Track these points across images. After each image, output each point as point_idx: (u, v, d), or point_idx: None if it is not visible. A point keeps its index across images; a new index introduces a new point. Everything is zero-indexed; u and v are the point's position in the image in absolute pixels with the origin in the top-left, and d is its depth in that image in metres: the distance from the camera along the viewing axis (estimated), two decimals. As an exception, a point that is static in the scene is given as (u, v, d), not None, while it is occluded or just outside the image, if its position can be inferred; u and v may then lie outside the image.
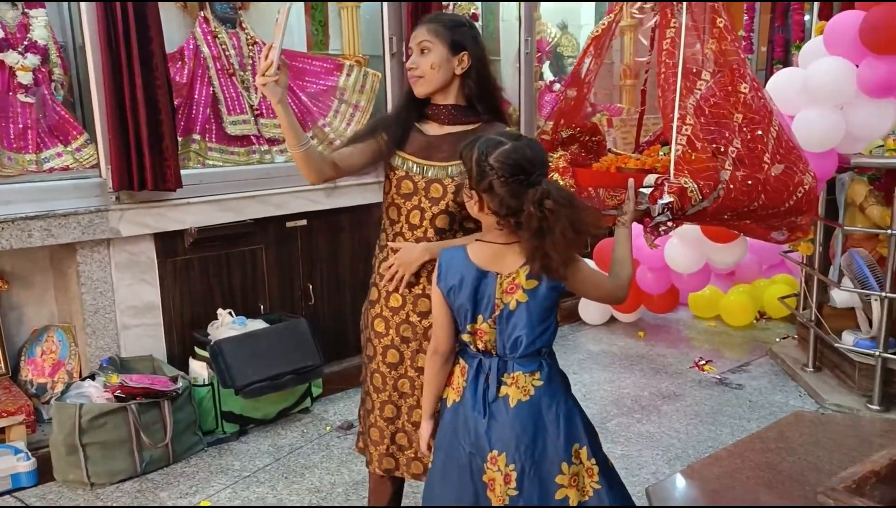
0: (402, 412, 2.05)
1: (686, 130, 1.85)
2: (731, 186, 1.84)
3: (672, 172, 1.84)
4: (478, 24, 4.47)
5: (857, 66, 3.02)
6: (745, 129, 1.86)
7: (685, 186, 1.81)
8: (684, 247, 4.10)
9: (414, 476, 2.07)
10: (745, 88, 1.87)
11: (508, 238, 1.65)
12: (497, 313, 1.66)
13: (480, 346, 1.70)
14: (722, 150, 1.87)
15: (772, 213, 1.90)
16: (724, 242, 3.97)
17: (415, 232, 1.97)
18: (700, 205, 1.83)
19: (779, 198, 1.87)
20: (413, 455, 2.05)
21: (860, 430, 2.33)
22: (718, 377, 3.87)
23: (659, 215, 1.85)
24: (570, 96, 2.24)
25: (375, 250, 2.10)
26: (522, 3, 4.61)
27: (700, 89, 1.88)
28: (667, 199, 1.81)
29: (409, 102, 2.03)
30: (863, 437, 2.19)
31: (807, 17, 4.57)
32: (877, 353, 3.29)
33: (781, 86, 3.19)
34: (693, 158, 1.84)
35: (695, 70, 1.89)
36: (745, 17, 5.12)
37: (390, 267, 1.98)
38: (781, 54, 4.94)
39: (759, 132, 1.85)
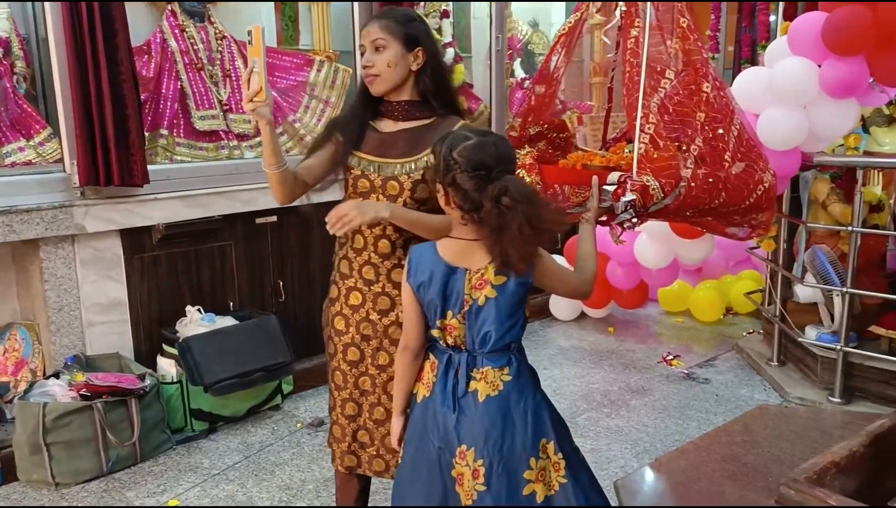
0: (364, 410, 2.05)
1: (649, 128, 1.88)
2: (693, 183, 1.87)
3: (635, 169, 1.87)
4: (448, 21, 4.47)
5: (820, 66, 3.08)
6: (706, 127, 1.89)
7: (647, 183, 1.84)
8: (653, 243, 4.15)
9: (376, 473, 2.07)
10: (707, 87, 1.90)
11: (476, 234, 1.66)
12: (466, 308, 1.67)
13: (450, 341, 1.71)
14: (684, 148, 1.90)
15: (732, 210, 1.93)
16: (691, 238, 4.03)
17: (373, 230, 1.96)
18: (662, 203, 1.85)
19: (739, 196, 1.90)
20: (375, 453, 2.05)
21: (822, 422, 2.38)
22: (686, 371, 3.93)
23: (622, 212, 1.88)
24: (538, 93, 2.26)
25: (335, 246, 2.09)
26: (493, 2, 4.63)
27: (664, 88, 1.90)
28: (629, 197, 1.84)
29: (363, 100, 2.00)
30: (824, 429, 2.24)
31: (773, 18, 4.64)
32: (838, 347, 3.36)
33: (747, 85, 3.24)
34: (655, 156, 1.87)
35: (659, 69, 1.91)
36: (712, 17, 5.19)
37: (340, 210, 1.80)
38: (748, 54, 5.02)
39: (721, 131, 1.89)
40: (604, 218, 1.96)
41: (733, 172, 1.87)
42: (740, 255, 4.83)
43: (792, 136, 3.09)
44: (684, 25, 1.91)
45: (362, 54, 1.95)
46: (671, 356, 4.10)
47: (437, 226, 1.82)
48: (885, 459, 1.99)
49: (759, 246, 4.01)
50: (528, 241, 1.57)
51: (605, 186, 1.88)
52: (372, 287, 1.98)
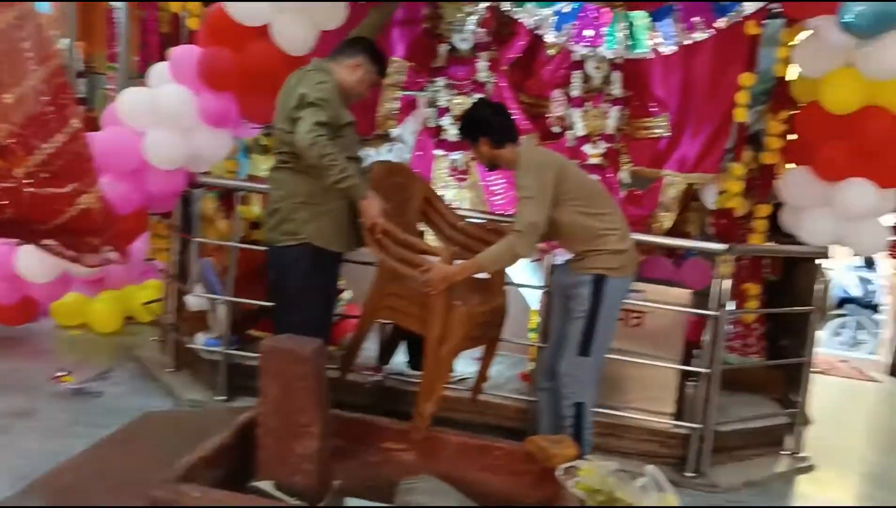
0: None
1: None
2: None
3: None
4: None
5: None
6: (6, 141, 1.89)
7: None
8: (37, 255, 3.86)
9: None
10: (10, 98, 1.89)
11: None
12: None
13: None
14: None
15: (44, 229, 1.96)
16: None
17: None
18: None
19: (41, 213, 1.93)
20: None
21: (204, 421, 2.61)
22: (77, 387, 3.78)
23: None
24: None
25: None
26: None
27: None
28: None
29: None
30: (205, 428, 2.45)
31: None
32: (222, 350, 3.71)
33: (133, 103, 3.32)
34: None
35: None
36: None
37: None
38: (144, 69, 5.06)
39: (14, 147, 1.90)
40: None
41: (29, 191, 1.90)
42: (145, 265, 4.87)
43: (174, 157, 3.29)
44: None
45: None
46: (63, 373, 3.89)
47: None
48: (249, 446, 2.32)
49: (154, 258, 4.13)
50: None
51: None
52: None
